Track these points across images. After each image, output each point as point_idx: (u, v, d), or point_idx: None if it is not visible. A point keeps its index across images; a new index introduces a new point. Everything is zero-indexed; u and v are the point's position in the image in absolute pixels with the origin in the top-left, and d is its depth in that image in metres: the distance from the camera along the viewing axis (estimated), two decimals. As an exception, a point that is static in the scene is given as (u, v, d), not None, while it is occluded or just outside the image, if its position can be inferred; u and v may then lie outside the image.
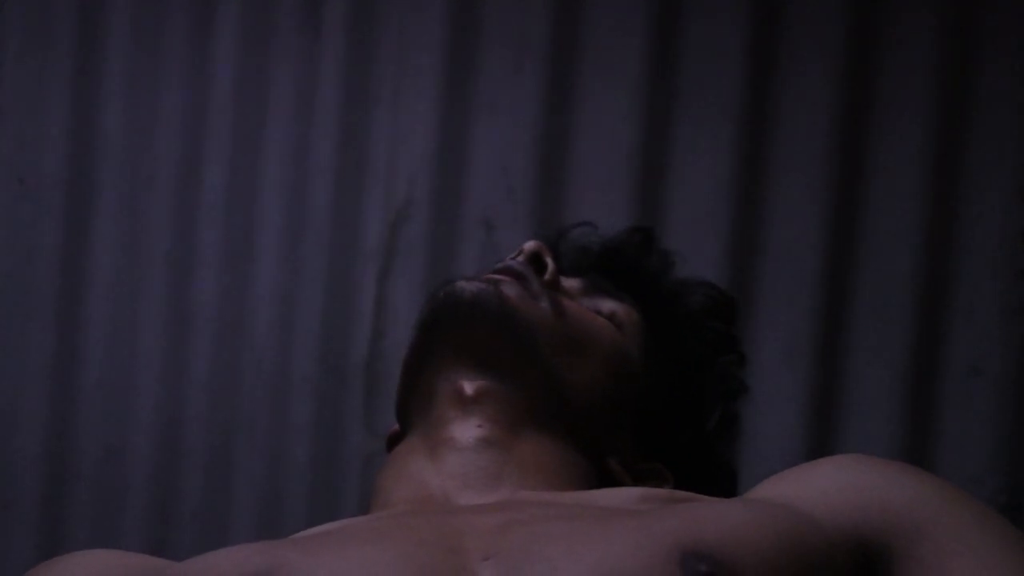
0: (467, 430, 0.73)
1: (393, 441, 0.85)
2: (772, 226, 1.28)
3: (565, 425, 0.77)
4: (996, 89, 1.22)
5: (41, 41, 1.52)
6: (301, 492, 1.40)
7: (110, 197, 1.50)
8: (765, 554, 0.55)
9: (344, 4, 1.41)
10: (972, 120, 1.23)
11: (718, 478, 0.94)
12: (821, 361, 1.26)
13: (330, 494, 1.38)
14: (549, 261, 0.80)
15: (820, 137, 1.26)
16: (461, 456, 0.72)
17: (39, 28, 1.51)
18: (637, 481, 0.81)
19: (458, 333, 0.75)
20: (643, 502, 0.67)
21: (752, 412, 1.28)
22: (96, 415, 1.48)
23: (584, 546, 0.57)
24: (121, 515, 1.46)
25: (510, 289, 0.76)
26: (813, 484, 0.63)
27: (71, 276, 1.50)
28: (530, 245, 0.81)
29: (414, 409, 0.77)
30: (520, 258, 0.81)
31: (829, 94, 1.26)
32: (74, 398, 1.49)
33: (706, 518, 0.59)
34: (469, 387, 0.74)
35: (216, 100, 1.47)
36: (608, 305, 0.86)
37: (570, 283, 0.87)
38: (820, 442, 1.26)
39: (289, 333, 1.42)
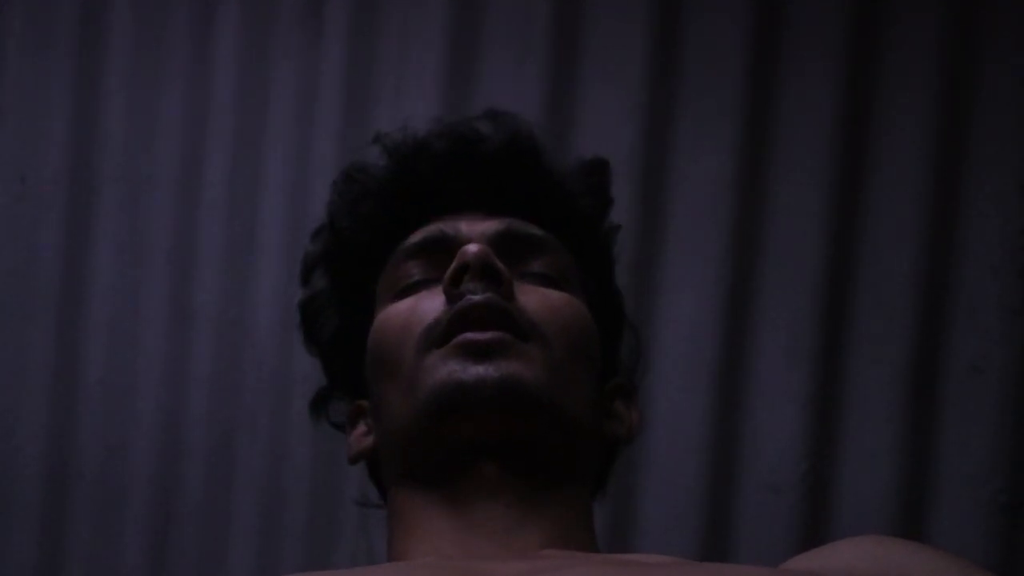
0: (494, 506, 0.73)
1: (370, 465, 0.85)
2: (772, 226, 1.28)
3: (576, 456, 0.77)
4: (996, 89, 1.22)
5: (41, 41, 1.52)
6: (302, 492, 1.40)
7: (111, 197, 1.50)
8: None
9: (345, 3, 1.41)
10: (972, 120, 1.23)
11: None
12: (821, 361, 1.26)
13: (331, 493, 1.38)
14: (500, 268, 0.75)
15: (820, 137, 1.26)
16: (487, 523, 0.72)
17: (39, 28, 1.51)
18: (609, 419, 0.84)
19: (482, 424, 0.73)
20: (667, 559, 0.68)
21: (753, 412, 1.28)
22: (97, 414, 1.48)
23: None
24: (122, 515, 1.46)
25: (513, 361, 0.72)
26: (839, 557, 0.66)
27: (72, 276, 1.50)
28: (475, 256, 0.75)
29: (428, 472, 0.76)
30: (477, 288, 0.75)
31: (829, 94, 1.26)
32: (75, 397, 1.49)
33: (735, 574, 0.61)
34: (497, 470, 0.73)
35: (217, 99, 1.47)
36: (543, 269, 0.82)
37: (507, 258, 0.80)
38: (820, 442, 1.26)
39: (290, 332, 1.42)
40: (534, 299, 0.77)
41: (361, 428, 0.85)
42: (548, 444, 0.74)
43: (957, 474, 1.23)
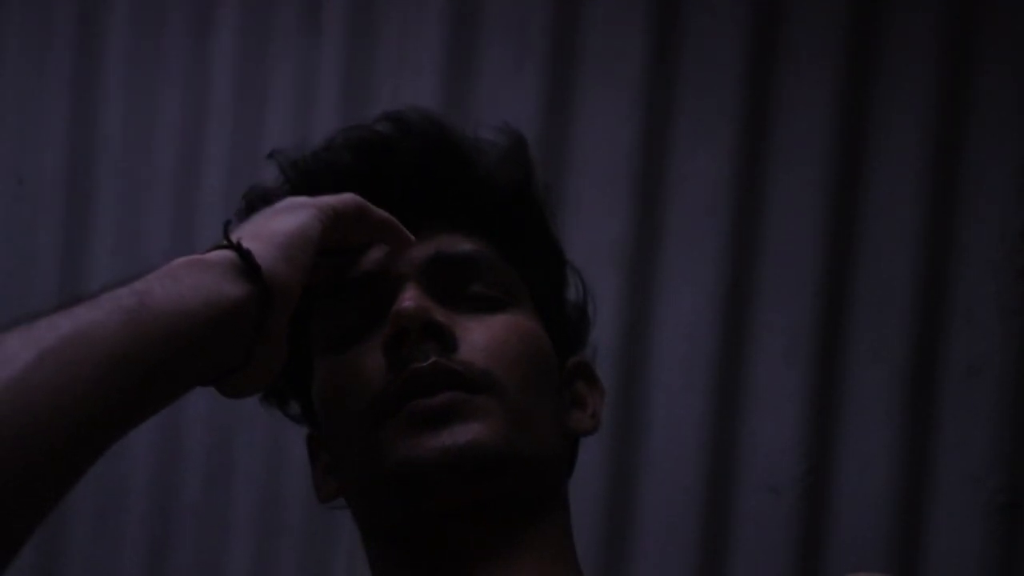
0: (472, 555, 0.72)
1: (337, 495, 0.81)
2: (771, 226, 1.28)
3: (548, 483, 0.76)
4: (996, 89, 1.22)
5: (39, 42, 1.52)
6: (300, 492, 1.39)
7: (110, 197, 1.50)
8: None
9: (344, 4, 1.41)
10: (970, 120, 1.23)
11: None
12: (821, 361, 1.26)
13: (330, 494, 1.38)
14: (441, 324, 0.71)
15: (820, 137, 1.26)
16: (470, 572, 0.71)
17: (39, 28, 1.51)
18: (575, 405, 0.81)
19: (449, 496, 0.71)
20: None
21: (752, 412, 1.28)
22: (96, 415, 1.48)
23: None
24: (121, 515, 1.46)
25: (470, 423, 0.70)
26: None
27: (71, 276, 1.50)
28: (412, 320, 0.70)
29: (398, 535, 0.74)
30: (419, 354, 0.70)
31: (828, 95, 1.26)
32: (74, 398, 1.49)
33: None
34: (471, 527, 0.72)
35: (215, 100, 1.47)
36: (482, 291, 0.76)
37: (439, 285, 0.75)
38: (819, 442, 1.26)
39: (289, 333, 1.42)
40: (479, 336, 0.73)
41: (323, 464, 0.81)
42: (519, 491, 0.72)
43: (955, 474, 1.23)
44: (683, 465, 1.28)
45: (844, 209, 1.26)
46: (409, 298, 0.70)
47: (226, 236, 0.63)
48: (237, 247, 0.62)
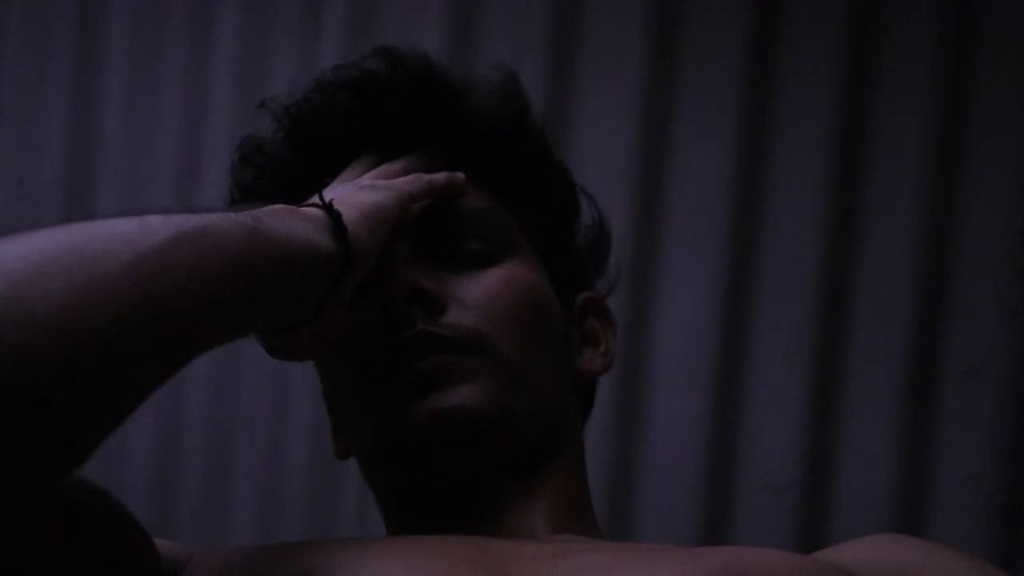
0: (485, 504, 0.73)
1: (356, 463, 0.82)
2: (772, 226, 1.28)
3: (555, 429, 0.76)
4: (996, 89, 1.23)
5: (41, 41, 1.52)
6: (301, 490, 1.40)
7: (110, 197, 1.50)
8: None
9: (344, 4, 1.41)
10: (972, 120, 1.23)
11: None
12: (821, 361, 1.26)
13: (330, 492, 1.38)
14: (429, 289, 0.72)
15: (820, 137, 1.26)
16: (483, 521, 0.72)
17: (39, 28, 1.51)
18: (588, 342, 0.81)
19: (447, 463, 0.72)
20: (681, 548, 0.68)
21: (752, 412, 1.28)
22: (95, 415, 1.48)
23: (630, 573, 0.57)
24: (120, 515, 1.46)
25: (460, 387, 0.71)
26: (854, 552, 0.67)
27: (71, 276, 1.50)
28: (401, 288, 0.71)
29: (408, 492, 0.75)
30: (408, 319, 0.72)
31: (828, 95, 1.27)
32: (73, 398, 1.49)
33: (752, 557, 0.61)
34: (478, 483, 0.73)
35: (215, 100, 1.47)
36: (475, 246, 0.77)
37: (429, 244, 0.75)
38: (819, 442, 1.26)
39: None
40: (470, 295, 0.74)
41: (332, 424, 0.83)
42: (520, 448, 0.73)
43: (955, 475, 1.23)
44: (683, 465, 1.28)
45: (844, 209, 1.26)
46: (399, 266, 0.72)
47: (320, 197, 0.65)
48: (328, 207, 0.64)
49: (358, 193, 0.68)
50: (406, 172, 0.75)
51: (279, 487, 1.41)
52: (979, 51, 1.23)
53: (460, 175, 0.76)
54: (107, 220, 0.54)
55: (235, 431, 1.43)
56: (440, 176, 0.75)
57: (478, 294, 0.74)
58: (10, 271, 0.48)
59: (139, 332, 0.51)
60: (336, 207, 0.64)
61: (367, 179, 0.73)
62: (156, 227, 0.53)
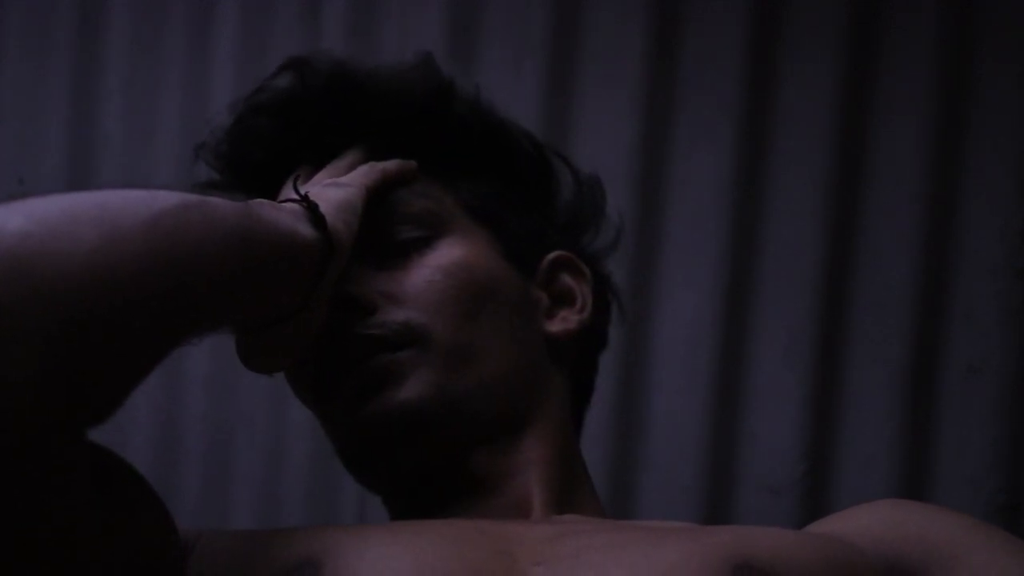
0: (468, 488, 0.74)
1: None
2: (772, 226, 1.28)
3: (521, 399, 0.76)
4: (995, 89, 1.23)
5: (39, 42, 1.52)
6: (300, 490, 1.40)
7: (109, 197, 1.50)
8: (812, 572, 0.58)
9: (344, 4, 1.41)
10: (972, 120, 1.23)
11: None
12: (820, 361, 1.26)
13: (329, 492, 1.38)
14: (354, 295, 0.73)
15: (819, 137, 1.26)
16: (475, 502, 0.73)
17: (39, 28, 1.51)
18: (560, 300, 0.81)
19: (415, 454, 0.74)
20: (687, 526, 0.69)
21: (752, 412, 1.28)
22: (95, 415, 1.48)
23: (635, 555, 0.58)
24: (120, 515, 1.46)
25: (400, 385, 0.72)
26: (857, 521, 0.68)
27: (70, 276, 1.50)
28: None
29: (397, 494, 0.78)
30: (339, 330, 0.73)
31: (828, 94, 1.27)
32: (73, 398, 1.49)
33: (757, 536, 0.62)
34: (453, 470, 0.74)
35: (215, 100, 1.46)
36: (406, 234, 0.77)
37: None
38: (819, 442, 1.26)
39: (289, 333, 1.41)
40: (402, 286, 0.75)
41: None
42: (485, 419, 0.74)
43: (955, 474, 1.23)
44: (683, 465, 1.28)
45: (844, 209, 1.26)
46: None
47: (296, 190, 0.68)
48: (305, 199, 0.66)
49: (324, 191, 0.71)
50: (352, 167, 0.77)
51: (279, 487, 1.41)
52: (979, 51, 1.24)
53: (412, 162, 0.78)
54: (117, 189, 0.56)
55: (235, 431, 1.43)
56: (392, 164, 0.77)
57: (407, 286, 0.75)
58: (44, 216, 0.50)
59: (165, 281, 0.53)
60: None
61: (324, 179, 0.75)
62: (164, 195, 0.56)
